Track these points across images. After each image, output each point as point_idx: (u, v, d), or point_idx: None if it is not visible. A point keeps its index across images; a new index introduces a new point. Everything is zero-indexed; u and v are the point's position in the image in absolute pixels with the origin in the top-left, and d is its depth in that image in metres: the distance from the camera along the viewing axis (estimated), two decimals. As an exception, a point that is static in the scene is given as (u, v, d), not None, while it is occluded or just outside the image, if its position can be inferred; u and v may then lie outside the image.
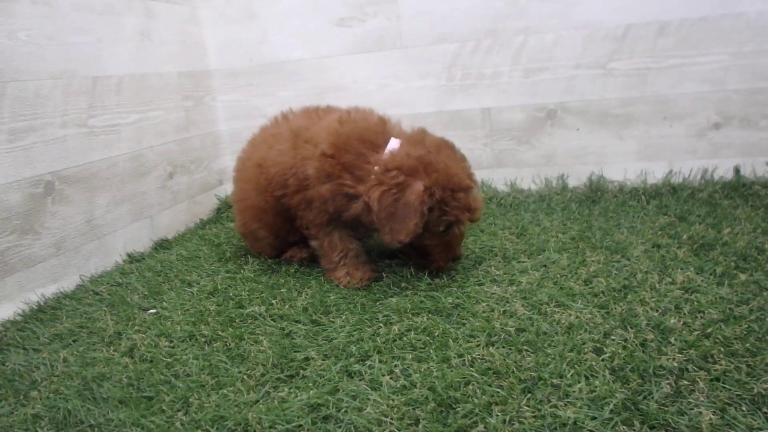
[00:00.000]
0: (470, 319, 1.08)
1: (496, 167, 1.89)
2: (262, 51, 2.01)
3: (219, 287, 1.36)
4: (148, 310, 1.29)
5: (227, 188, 2.16)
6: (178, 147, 1.92)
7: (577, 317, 1.03)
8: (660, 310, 1.04)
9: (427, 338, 1.02)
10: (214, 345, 1.09)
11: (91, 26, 1.58)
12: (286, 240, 1.48)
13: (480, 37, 1.80)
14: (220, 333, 1.13)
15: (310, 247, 1.45)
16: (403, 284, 1.27)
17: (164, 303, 1.31)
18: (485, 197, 1.84)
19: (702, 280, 1.13)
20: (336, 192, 1.24)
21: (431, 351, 0.98)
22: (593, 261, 1.28)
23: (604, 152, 1.80)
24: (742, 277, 1.13)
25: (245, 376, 0.97)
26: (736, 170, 1.71)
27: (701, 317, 1.00)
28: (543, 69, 1.78)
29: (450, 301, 1.15)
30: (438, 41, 1.84)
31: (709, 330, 0.95)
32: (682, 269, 1.19)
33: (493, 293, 1.17)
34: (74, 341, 1.18)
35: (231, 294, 1.31)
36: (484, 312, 1.10)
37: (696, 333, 0.95)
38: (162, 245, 1.77)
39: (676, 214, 1.53)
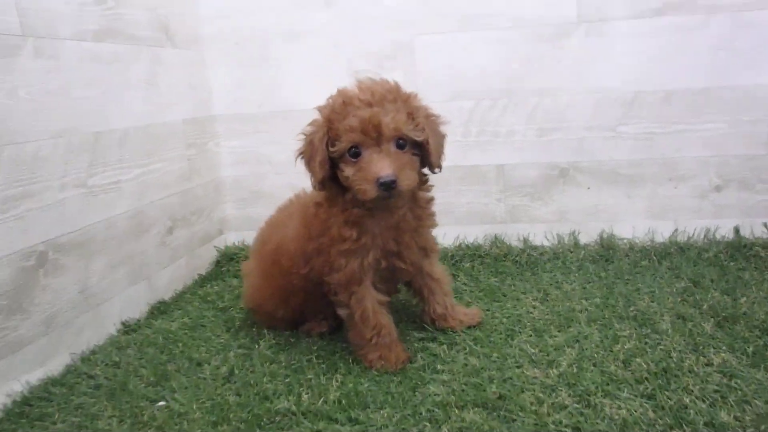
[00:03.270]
0: (519, 414, 1.07)
1: (509, 222, 1.93)
2: (272, 97, 1.98)
3: (235, 370, 1.28)
4: (157, 402, 1.18)
5: (227, 238, 2.11)
6: (180, 199, 1.85)
7: (629, 411, 1.05)
8: (708, 401, 1.07)
9: (481, 440, 1.00)
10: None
11: (97, 78, 1.49)
12: (304, 314, 1.46)
13: (496, 96, 1.83)
14: (246, 437, 1.05)
15: (329, 320, 1.44)
16: (438, 366, 1.25)
17: (174, 391, 1.21)
18: (499, 253, 1.87)
19: (737, 362, 1.18)
20: (336, 227, 1.24)
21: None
22: (624, 336, 1.31)
23: (615, 210, 1.86)
24: (774, 358, 1.18)
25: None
26: (736, 230, 1.80)
27: (749, 409, 1.04)
28: (556, 129, 1.83)
29: (493, 389, 1.14)
30: (455, 98, 1.86)
31: (764, 428, 0.99)
32: (714, 348, 1.23)
33: (535, 378, 1.17)
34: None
35: (251, 380, 1.23)
36: (531, 404, 1.09)
37: (750, 430, 0.99)
38: (159, 309, 1.68)
39: (689, 278, 1.58)
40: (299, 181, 2.04)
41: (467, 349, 1.31)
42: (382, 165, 1.13)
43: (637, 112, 1.77)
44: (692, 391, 1.10)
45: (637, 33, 1.71)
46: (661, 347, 1.25)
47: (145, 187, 1.68)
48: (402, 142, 1.18)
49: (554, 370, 1.20)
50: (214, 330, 1.51)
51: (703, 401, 1.07)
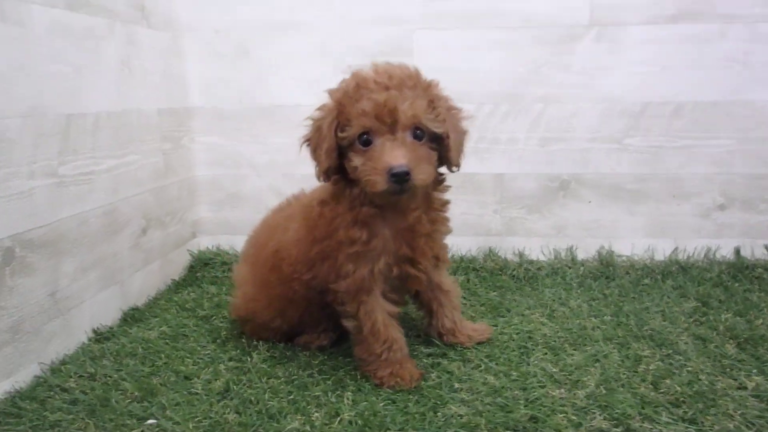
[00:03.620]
0: (555, 438, 0.96)
1: (505, 235, 1.82)
2: (255, 92, 1.82)
3: (231, 385, 1.13)
4: (146, 420, 1.03)
5: (200, 242, 1.93)
6: (155, 197, 1.67)
7: (675, 437, 0.96)
8: (755, 427, 0.98)
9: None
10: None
11: (68, 52, 1.32)
12: (303, 326, 1.31)
13: (498, 101, 1.74)
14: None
15: (330, 332, 1.30)
16: (454, 384, 1.12)
17: (164, 408, 1.06)
18: (495, 267, 1.76)
19: (771, 386, 1.11)
20: (343, 228, 1.11)
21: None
22: (646, 356, 1.22)
23: (615, 226, 1.78)
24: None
25: None
26: (737, 251, 1.75)
27: (799, 438, 0.96)
28: (559, 139, 1.75)
29: (522, 411, 1.02)
30: (454, 100, 1.75)
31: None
32: (744, 372, 1.15)
33: (563, 398, 1.07)
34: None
35: (250, 396, 1.09)
36: (566, 427, 0.98)
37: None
38: (133, 316, 1.50)
39: (696, 298, 1.52)
40: (283, 184, 1.92)
41: (482, 366, 1.20)
42: (395, 154, 1.00)
43: (644, 125, 1.71)
44: (733, 416, 1.01)
45: (649, 40, 1.66)
46: (688, 369, 1.17)
47: (119, 182, 1.50)
48: (419, 133, 1.05)
49: (581, 391, 1.09)
50: (198, 340, 1.35)
51: (749, 427, 0.98)
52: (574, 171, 1.76)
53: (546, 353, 1.25)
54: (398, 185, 1.00)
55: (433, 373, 1.18)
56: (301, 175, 1.85)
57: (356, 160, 1.05)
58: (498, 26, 1.70)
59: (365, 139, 1.04)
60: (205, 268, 1.85)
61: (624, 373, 1.15)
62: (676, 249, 1.77)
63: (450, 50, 1.73)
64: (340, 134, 1.06)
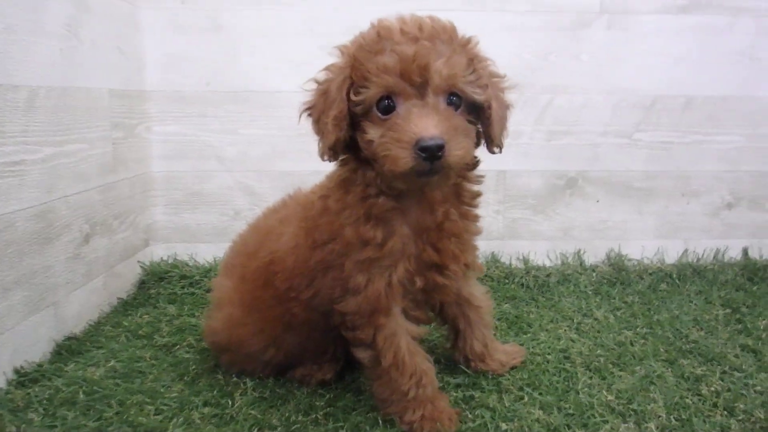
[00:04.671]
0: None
1: (507, 239, 1.65)
2: (225, 74, 1.55)
3: None
4: None
5: (153, 252, 1.62)
6: (101, 196, 1.36)
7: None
8: None
9: None
10: None
11: (-1, 8, 1.03)
12: (302, 357, 1.06)
13: (503, 90, 1.58)
14: None
15: (334, 363, 1.06)
16: (501, 425, 0.91)
17: None
18: (500, 275, 1.58)
19: None
20: (352, 226, 0.89)
21: None
22: (703, 375, 1.08)
23: (624, 227, 1.66)
24: None
25: None
26: (745, 251, 1.68)
27: None
28: (568, 133, 1.60)
29: None
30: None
31: None
32: (815, 386, 1.04)
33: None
34: None
35: None
36: None
37: None
38: (70, 348, 1.18)
39: (722, 303, 1.43)
40: (256, 181, 1.66)
41: (525, 397, 1.00)
42: (425, 123, 0.77)
43: (655, 119, 1.60)
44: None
45: (661, 30, 1.56)
46: (756, 389, 1.04)
47: (57, 176, 1.19)
48: (456, 99, 0.83)
49: (651, 424, 0.93)
50: (159, 378, 1.06)
51: None
52: (582, 168, 1.63)
53: (591, 377, 1.08)
54: (428, 162, 0.77)
55: (468, 410, 0.97)
56: (278, 172, 1.60)
57: (372, 132, 0.81)
58: (505, 9, 1.54)
59: (386, 105, 0.81)
60: (160, 283, 1.54)
61: (689, 398, 1.01)
62: (686, 251, 1.67)
63: (450, 33, 1.55)
64: (353, 98, 0.82)
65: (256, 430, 0.90)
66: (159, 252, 1.62)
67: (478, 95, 0.84)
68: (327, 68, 0.88)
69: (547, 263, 1.66)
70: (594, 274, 1.59)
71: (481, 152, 0.95)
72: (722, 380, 1.07)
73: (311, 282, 0.94)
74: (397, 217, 0.89)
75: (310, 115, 0.89)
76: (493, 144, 0.91)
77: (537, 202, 1.65)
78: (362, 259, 0.87)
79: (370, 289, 0.88)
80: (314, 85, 0.89)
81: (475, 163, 0.95)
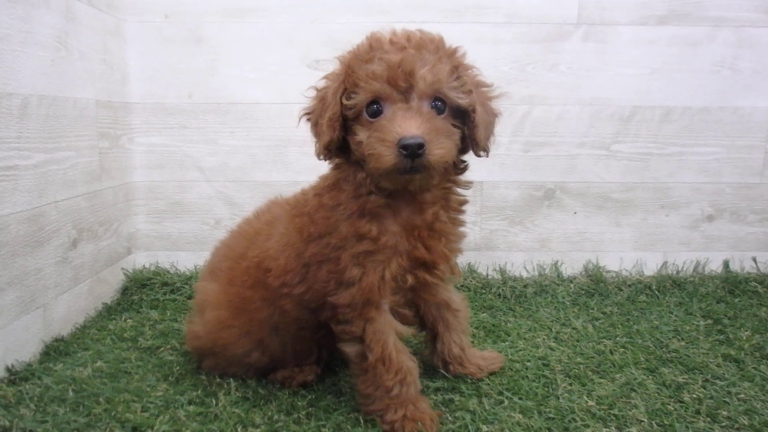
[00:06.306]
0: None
1: (484, 249, 1.66)
2: (207, 85, 1.59)
3: None
4: None
5: (135, 259, 1.65)
6: (88, 203, 1.40)
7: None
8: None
9: None
10: None
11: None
12: (285, 359, 1.08)
13: (480, 102, 1.59)
14: None
15: (314, 365, 1.09)
16: (481, 426, 0.93)
17: None
18: (477, 285, 1.59)
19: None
20: (347, 221, 0.93)
21: None
22: (685, 383, 1.09)
23: (602, 239, 1.66)
24: None
25: None
26: (726, 264, 1.67)
27: None
28: (545, 144, 1.61)
29: None
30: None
31: None
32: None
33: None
34: None
35: None
36: None
37: None
38: (57, 350, 1.23)
39: (703, 315, 1.43)
40: (236, 191, 1.68)
41: (504, 401, 1.02)
42: (408, 124, 0.83)
43: (634, 130, 1.60)
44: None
45: (639, 41, 1.56)
46: (739, 396, 1.05)
47: (48, 181, 1.24)
48: (440, 105, 0.88)
49: (633, 429, 0.94)
50: (145, 378, 1.09)
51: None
52: (559, 179, 1.63)
53: (571, 383, 1.09)
54: (409, 159, 0.82)
55: (449, 413, 0.98)
56: (257, 182, 1.63)
57: (362, 134, 0.87)
58: (482, 21, 1.56)
59: (375, 109, 0.87)
60: (143, 290, 1.57)
61: (671, 405, 1.02)
62: (665, 263, 1.67)
63: (427, 45, 1.57)
64: (345, 102, 0.88)
65: (240, 427, 0.93)
66: (141, 260, 1.66)
67: (462, 100, 0.89)
68: (326, 76, 0.95)
69: (524, 274, 1.66)
70: (572, 286, 1.59)
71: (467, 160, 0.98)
72: (704, 388, 1.08)
73: (304, 277, 0.98)
74: (388, 216, 0.93)
75: (309, 119, 0.96)
76: (479, 148, 0.95)
77: (514, 214, 1.65)
78: (358, 252, 0.92)
79: (364, 281, 0.91)
80: (314, 92, 0.96)
81: (463, 168, 1.00)
